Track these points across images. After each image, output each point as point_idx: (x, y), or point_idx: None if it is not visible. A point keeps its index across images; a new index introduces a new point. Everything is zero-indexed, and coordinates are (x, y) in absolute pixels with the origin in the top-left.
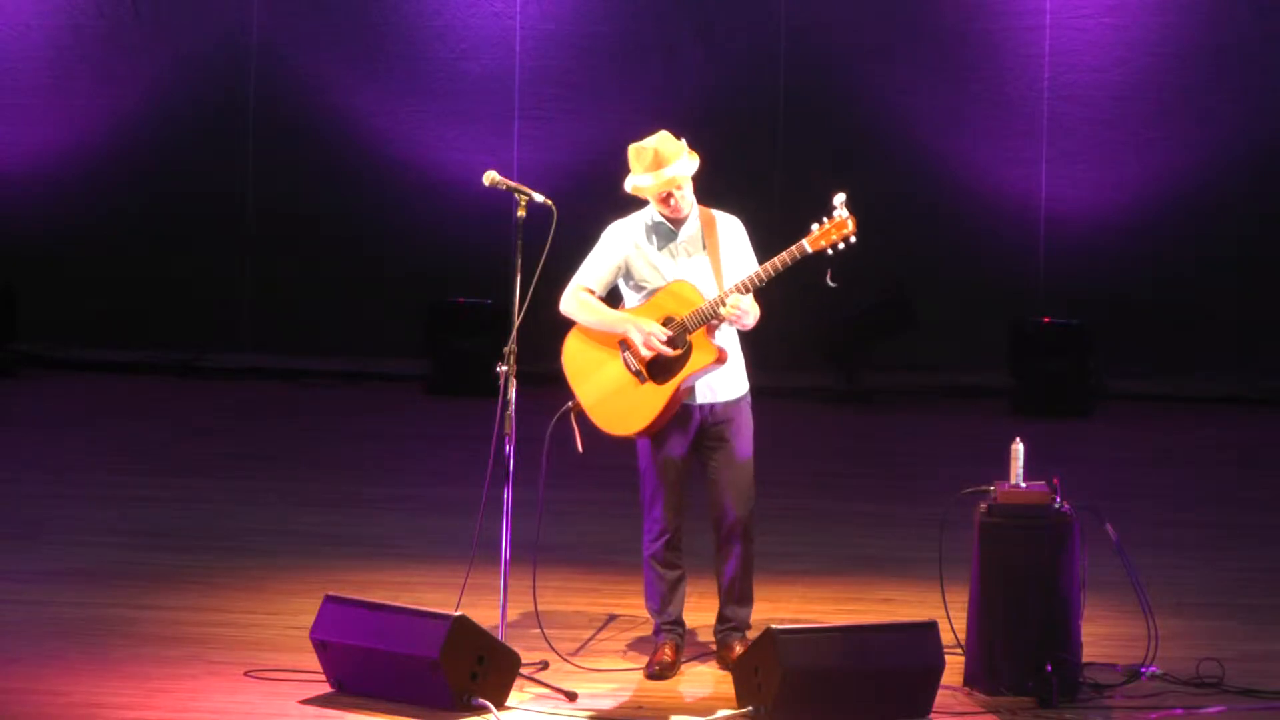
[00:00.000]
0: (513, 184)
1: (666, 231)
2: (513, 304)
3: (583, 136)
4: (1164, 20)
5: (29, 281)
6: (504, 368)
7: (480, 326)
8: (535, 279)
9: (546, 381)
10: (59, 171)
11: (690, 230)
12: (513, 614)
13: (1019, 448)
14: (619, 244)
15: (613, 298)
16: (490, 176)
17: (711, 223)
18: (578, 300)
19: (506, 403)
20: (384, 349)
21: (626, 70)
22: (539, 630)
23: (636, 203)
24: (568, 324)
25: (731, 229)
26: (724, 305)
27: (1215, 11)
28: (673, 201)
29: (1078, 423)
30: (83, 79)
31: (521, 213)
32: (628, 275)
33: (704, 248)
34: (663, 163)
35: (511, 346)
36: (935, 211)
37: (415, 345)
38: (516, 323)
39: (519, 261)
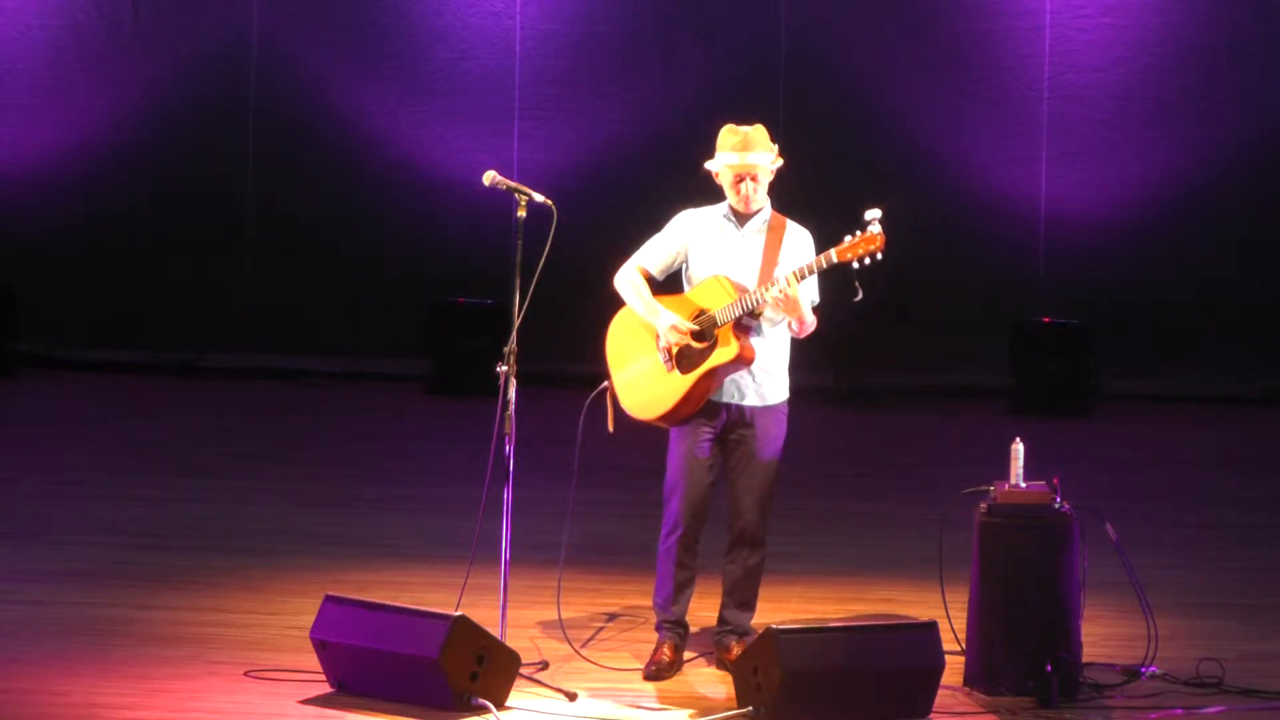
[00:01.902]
0: (513, 184)
1: (733, 225)
2: (513, 304)
3: (583, 136)
4: (1164, 20)
5: (29, 281)
6: (504, 368)
7: (480, 326)
8: (535, 279)
9: (547, 382)
10: (59, 171)
11: (755, 228)
12: (515, 614)
13: (1019, 448)
14: (683, 231)
15: (674, 286)
16: (490, 176)
17: (780, 227)
18: (628, 279)
19: (506, 403)
20: (384, 349)
21: (626, 70)
22: (559, 623)
23: (641, 202)
24: (599, 312)
25: (799, 238)
26: (767, 291)
27: (1215, 11)
28: (743, 189)
29: (1078, 423)
30: (83, 79)
31: (521, 213)
32: (686, 264)
33: (764, 248)
34: (749, 146)
35: (511, 346)
36: (935, 211)
37: (415, 345)
38: (516, 323)
39: (519, 261)
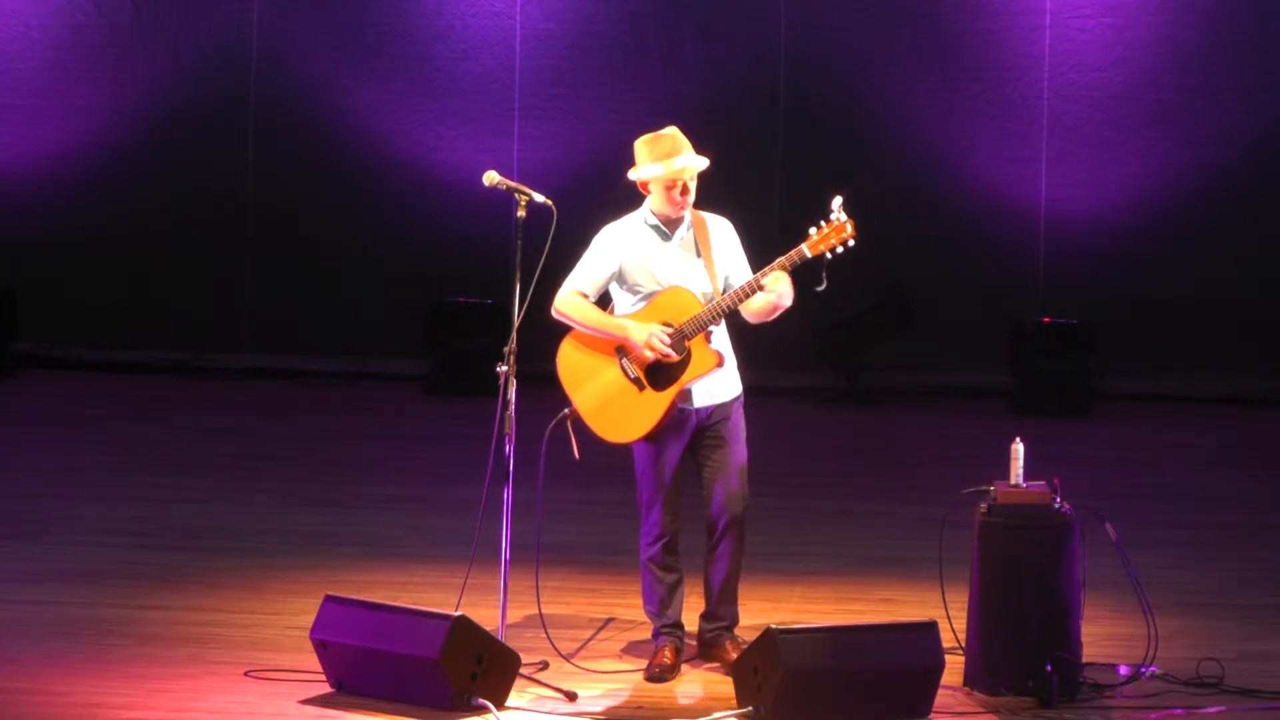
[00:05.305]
0: (513, 184)
1: (661, 233)
2: (513, 304)
3: (583, 136)
4: (1164, 20)
5: (29, 281)
6: (504, 368)
7: (480, 326)
8: (535, 279)
9: (546, 382)
10: (59, 171)
11: (684, 232)
12: (513, 615)
13: (1019, 448)
14: (613, 247)
15: (602, 303)
16: (490, 176)
17: (703, 224)
18: (573, 305)
19: (506, 403)
20: (384, 349)
21: (626, 70)
22: (543, 632)
23: (636, 202)
24: (564, 328)
25: (722, 230)
26: (759, 286)
27: (1215, 11)
28: (682, 195)
29: (1078, 423)
30: (83, 79)
31: (521, 213)
32: (621, 279)
33: (697, 250)
34: (675, 153)
35: (511, 346)
36: (935, 211)
37: (415, 345)
38: (516, 323)
39: (519, 261)
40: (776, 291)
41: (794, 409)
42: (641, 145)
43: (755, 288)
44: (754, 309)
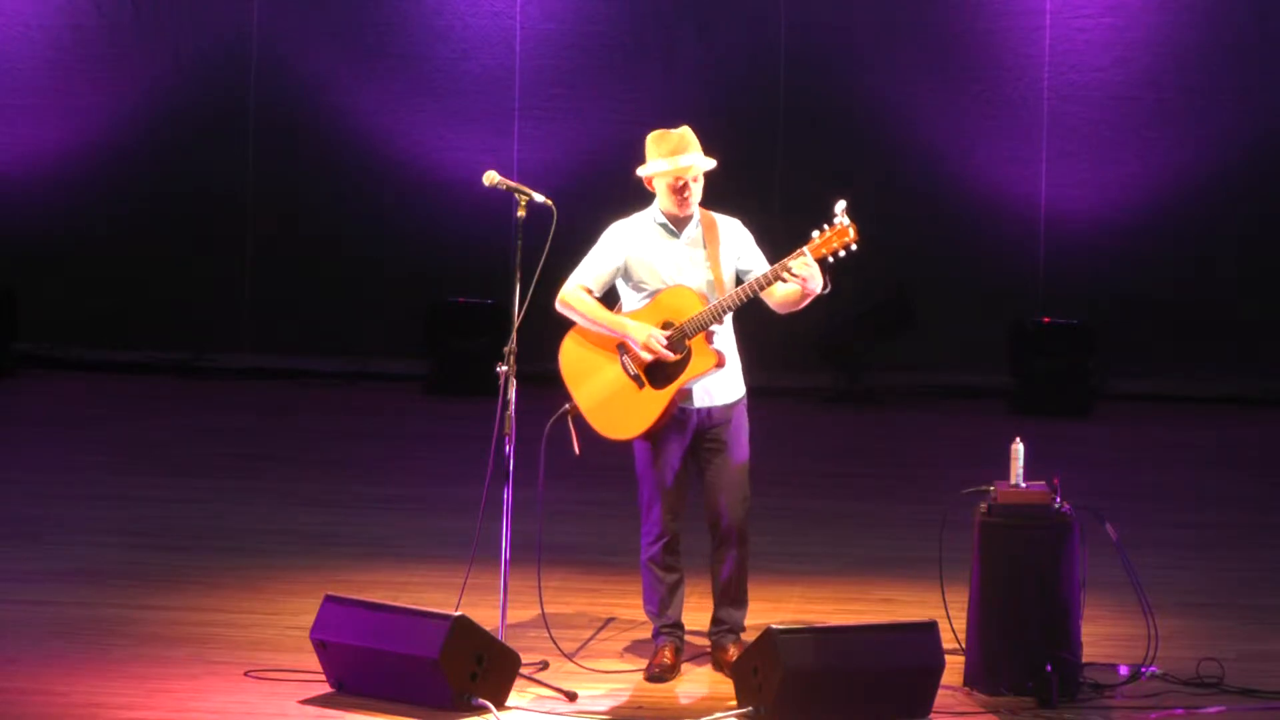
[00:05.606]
0: (513, 184)
1: (668, 232)
2: (513, 304)
3: (583, 136)
4: (1164, 20)
5: (29, 281)
6: (504, 368)
7: (480, 326)
8: (535, 279)
9: (546, 382)
10: (59, 171)
11: (692, 232)
12: (514, 614)
13: (1019, 448)
14: (619, 244)
15: (609, 298)
16: (490, 176)
17: (713, 225)
18: (576, 299)
19: (506, 403)
20: (384, 349)
21: (626, 70)
22: (545, 632)
23: (639, 202)
24: (566, 324)
25: (733, 230)
26: (788, 272)
27: (1215, 11)
28: (685, 192)
29: (1078, 423)
30: (83, 79)
31: (521, 213)
32: (627, 275)
33: (705, 250)
34: (681, 150)
35: (511, 346)
36: (935, 211)
37: (415, 345)
38: (516, 323)
39: (519, 261)
40: (801, 276)
41: (794, 409)
42: (650, 141)
43: (753, 291)
44: (780, 299)
